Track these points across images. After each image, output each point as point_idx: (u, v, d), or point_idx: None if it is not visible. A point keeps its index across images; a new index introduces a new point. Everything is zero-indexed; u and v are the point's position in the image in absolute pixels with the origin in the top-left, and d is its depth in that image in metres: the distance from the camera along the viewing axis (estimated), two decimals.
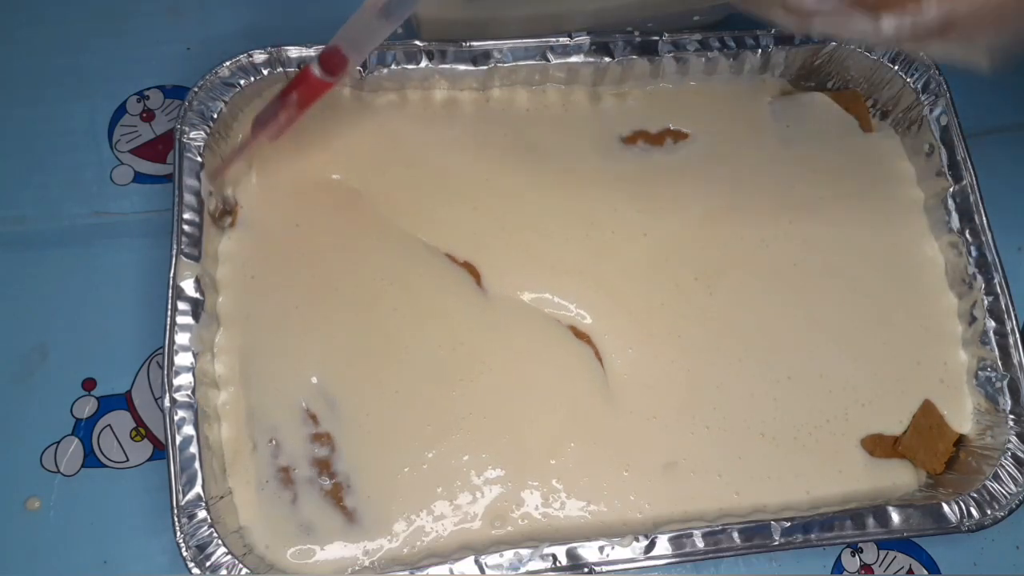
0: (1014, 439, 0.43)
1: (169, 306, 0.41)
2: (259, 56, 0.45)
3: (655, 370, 0.44)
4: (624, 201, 0.47)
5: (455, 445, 0.42)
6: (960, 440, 0.45)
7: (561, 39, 0.47)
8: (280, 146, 0.44)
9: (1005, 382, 0.45)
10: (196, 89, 0.44)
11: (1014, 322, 0.45)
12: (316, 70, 0.40)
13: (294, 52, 0.45)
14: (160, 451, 0.43)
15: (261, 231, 0.45)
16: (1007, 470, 0.43)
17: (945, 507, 0.42)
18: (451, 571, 0.39)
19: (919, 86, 0.49)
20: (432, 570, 0.39)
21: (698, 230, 0.47)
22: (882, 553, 0.45)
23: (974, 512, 0.42)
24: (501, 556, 0.39)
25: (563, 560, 0.39)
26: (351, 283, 0.44)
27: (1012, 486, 0.42)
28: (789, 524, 0.40)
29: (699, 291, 0.46)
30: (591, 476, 0.42)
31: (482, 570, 0.39)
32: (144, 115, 0.49)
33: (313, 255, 0.45)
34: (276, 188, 0.46)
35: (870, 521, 0.41)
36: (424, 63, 0.46)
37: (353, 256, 0.45)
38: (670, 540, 0.40)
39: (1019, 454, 0.43)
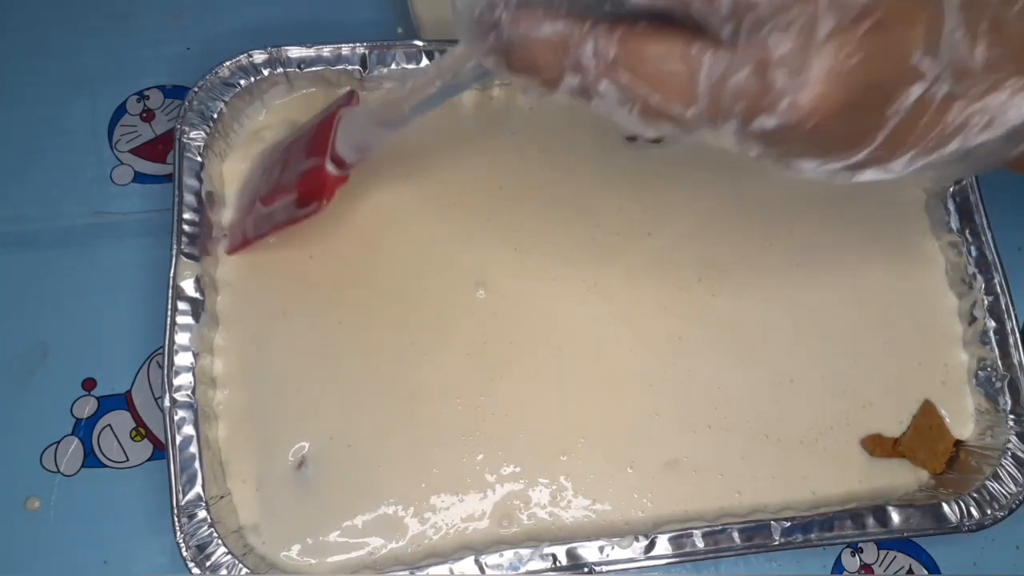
0: (1014, 439, 0.43)
1: (169, 306, 0.41)
2: (259, 56, 0.45)
3: (656, 370, 0.44)
4: (629, 200, 0.47)
5: (470, 445, 0.42)
6: (960, 440, 0.45)
7: None
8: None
9: (1005, 382, 0.45)
10: (196, 89, 0.44)
11: (1014, 322, 0.45)
12: (330, 167, 0.39)
13: (294, 52, 0.45)
14: (160, 451, 0.43)
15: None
16: (1007, 470, 0.43)
17: (945, 507, 0.42)
18: (451, 571, 0.39)
19: None
20: (432, 570, 0.39)
21: (701, 229, 0.47)
22: (882, 553, 0.45)
23: (974, 512, 0.42)
24: (501, 556, 0.39)
25: (563, 560, 0.39)
26: (355, 284, 0.45)
27: (1012, 486, 0.42)
28: (789, 524, 0.41)
29: (702, 292, 0.46)
30: (597, 473, 0.42)
31: (482, 570, 0.39)
32: (144, 115, 0.49)
33: (315, 255, 0.45)
34: None
35: (870, 521, 0.41)
36: (424, 63, 0.46)
37: (355, 257, 0.45)
38: (670, 540, 0.40)
39: (1019, 454, 0.43)
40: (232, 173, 0.46)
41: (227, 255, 0.44)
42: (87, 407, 0.44)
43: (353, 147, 0.38)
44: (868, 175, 0.26)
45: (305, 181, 0.40)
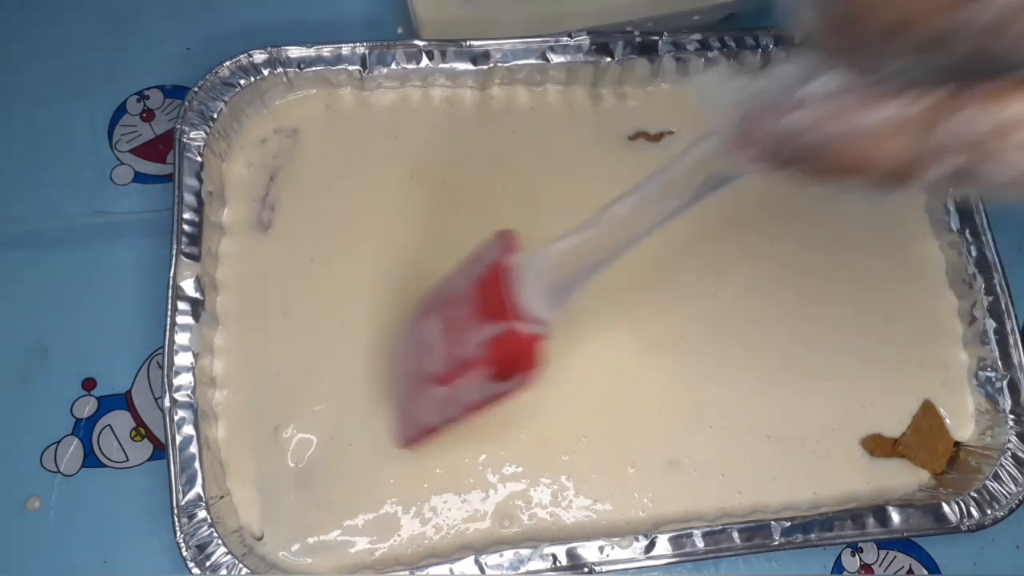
0: (1014, 439, 0.44)
1: (169, 306, 0.41)
2: (259, 56, 0.45)
3: (657, 370, 0.44)
4: None
5: (472, 444, 0.42)
6: (960, 440, 0.45)
7: (561, 39, 0.47)
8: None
9: (1005, 382, 0.45)
10: (196, 89, 0.44)
11: (1014, 322, 0.45)
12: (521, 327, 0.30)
13: (294, 52, 0.45)
14: (160, 451, 0.43)
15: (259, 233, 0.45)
16: (1007, 470, 0.43)
17: (945, 507, 0.42)
18: (451, 571, 0.39)
19: None
20: (432, 570, 0.39)
21: (702, 229, 0.47)
22: (882, 553, 0.45)
23: (974, 512, 0.42)
24: (501, 556, 0.39)
25: (563, 560, 0.39)
26: (356, 285, 0.44)
27: (1012, 486, 0.42)
28: (789, 524, 0.41)
29: (703, 292, 0.46)
30: (599, 473, 0.43)
31: (482, 570, 0.39)
32: (144, 115, 0.49)
33: (315, 259, 0.45)
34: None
35: (870, 521, 0.41)
36: (424, 62, 0.46)
37: (356, 258, 0.45)
38: (670, 540, 0.40)
39: (1019, 454, 0.43)
40: (232, 173, 0.46)
41: (399, 448, 0.40)
42: (87, 407, 0.44)
43: (546, 300, 0.31)
44: None
45: (497, 349, 0.32)
